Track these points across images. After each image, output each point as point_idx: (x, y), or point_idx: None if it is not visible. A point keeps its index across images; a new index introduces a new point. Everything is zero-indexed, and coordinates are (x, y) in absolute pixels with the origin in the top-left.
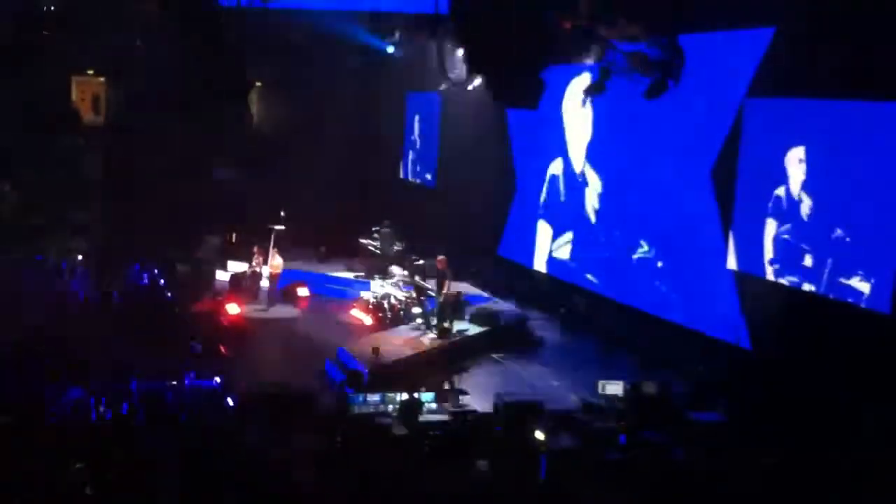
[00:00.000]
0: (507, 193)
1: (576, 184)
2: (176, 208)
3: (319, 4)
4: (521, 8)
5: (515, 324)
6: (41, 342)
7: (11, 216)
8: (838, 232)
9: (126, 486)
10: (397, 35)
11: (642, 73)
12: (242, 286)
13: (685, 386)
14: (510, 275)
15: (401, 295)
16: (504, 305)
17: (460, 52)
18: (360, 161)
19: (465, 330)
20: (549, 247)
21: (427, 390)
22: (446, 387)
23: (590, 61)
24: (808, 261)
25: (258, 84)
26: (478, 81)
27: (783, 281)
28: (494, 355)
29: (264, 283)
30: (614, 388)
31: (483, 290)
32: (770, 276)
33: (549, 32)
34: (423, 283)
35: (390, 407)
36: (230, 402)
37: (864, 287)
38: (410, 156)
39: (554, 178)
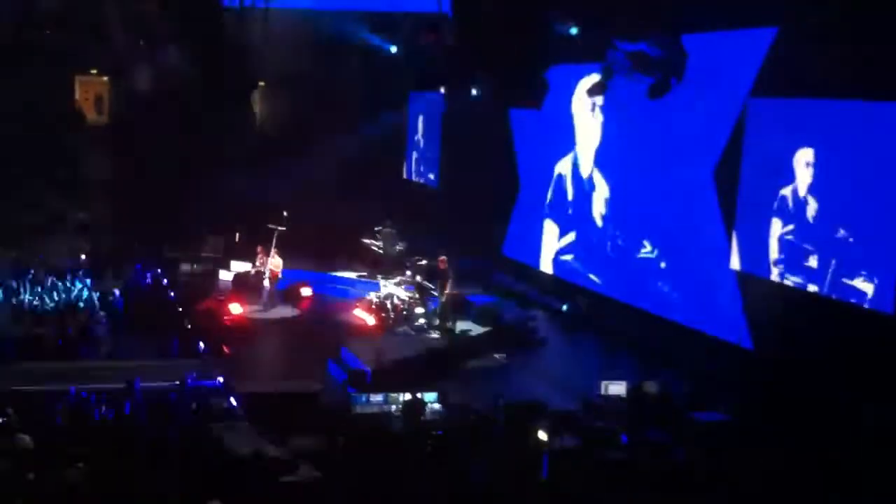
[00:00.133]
0: (510, 193)
1: (583, 187)
2: (179, 208)
3: (322, 4)
4: (524, 8)
5: (517, 323)
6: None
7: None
8: (841, 232)
9: (127, 485)
10: (400, 35)
11: (644, 72)
12: (245, 286)
13: (687, 386)
14: (512, 274)
15: (404, 295)
16: (506, 305)
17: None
18: (362, 161)
19: (468, 330)
20: (555, 246)
21: (429, 390)
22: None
23: (593, 61)
24: (811, 261)
25: (261, 84)
26: (481, 82)
27: (786, 281)
28: (496, 355)
29: (267, 283)
30: (617, 388)
31: (485, 289)
32: (773, 276)
33: (552, 33)
34: (425, 282)
35: (393, 407)
36: (233, 401)
37: (868, 288)
38: (414, 156)
39: (561, 177)
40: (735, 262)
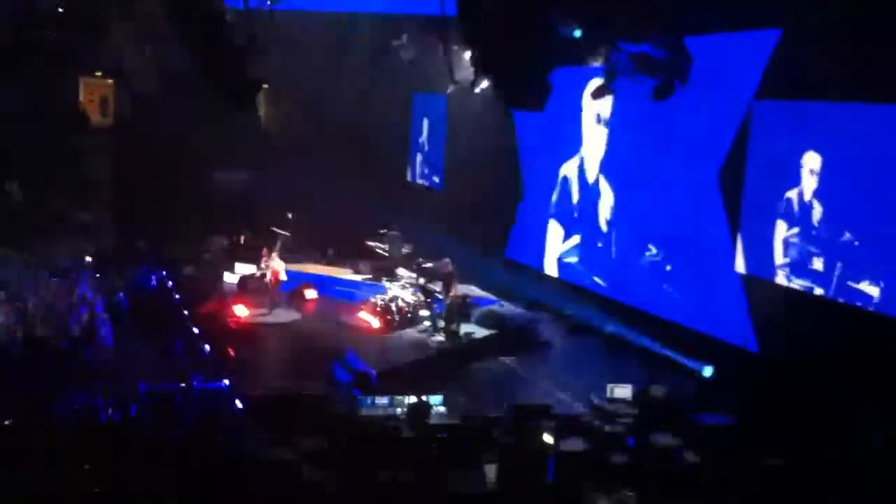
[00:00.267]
0: (514, 196)
1: (589, 190)
2: (184, 210)
3: (326, 6)
4: (528, 10)
5: (523, 326)
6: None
7: (19, 215)
8: (847, 235)
9: (132, 488)
10: (404, 37)
11: (648, 74)
12: (250, 288)
13: (693, 389)
14: (517, 277)
15: (409, 297)
16: (511, 308)
17: (467, 54)
18: (367, 163)
19: (473, 333)
20: (559, 247)
21: (435, 393)
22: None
23: (596, 64)
24: (817, 264)
25: (265, 86)
26: (485, 84)
27: (792, 284)
28: (502, 358)
29: (268, 287)
30: (623, 391)
31: (490, 292)
32: (778, 279)
33: (556, 35)
34: (430, 285)
35: (398, 410)
36: (237, 404)
37: (874, 291)
38: (418, 158)
39: (566, 180)
40: (740, 265)
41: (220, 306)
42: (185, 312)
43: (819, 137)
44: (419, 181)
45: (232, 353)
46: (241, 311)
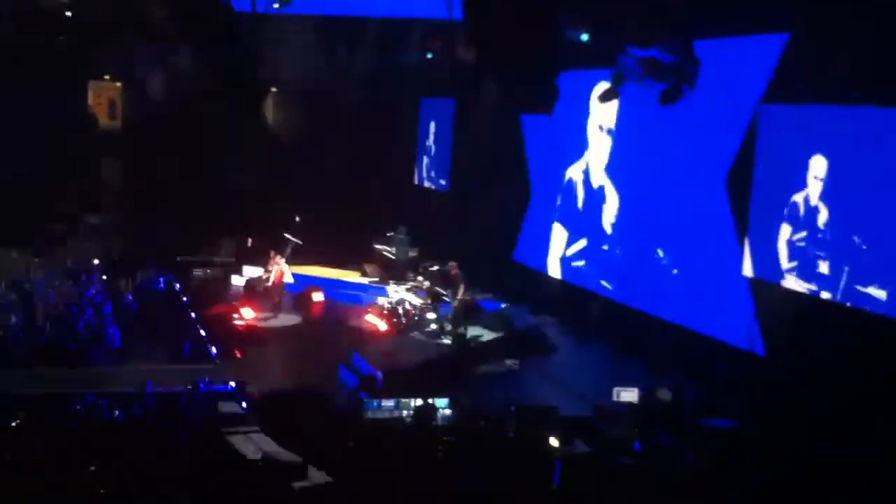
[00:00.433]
0: (521, 199)
1: (594, 194)
2: (192, 213)
3: (334, 10)
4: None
5: (529, 329)
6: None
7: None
8: (855, 239)
9: (138, 489)
10: (412, 41)
11: (656, 78)
12: (256, 291)
13: (699, 392)
14: (524, 280)
15: (415, 300)
16: (518, 311)
17: (475, 57)
18: (374, 166)
19: (479, 335)
20: (562, 249)
21: (441, 396)
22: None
23: (604, 67)
24: (824, 268)
25: (273, 89)
26: (492, 87)
27: (799, 288)
28: (508, 361)
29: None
30: (629, 394)
31: (497, 295)
32: (786, 283)
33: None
34: (437, 288)
35: (404, 412)
36: (244, 406)
37: (881, 294)
38: (425, 161)
39: (571, 182)
40: (748, 269)
41: (228, 309)
42: (193, 315)
43: (826, 141)
44: (426, 184)
45: (239, 354)
46: (247, 313)
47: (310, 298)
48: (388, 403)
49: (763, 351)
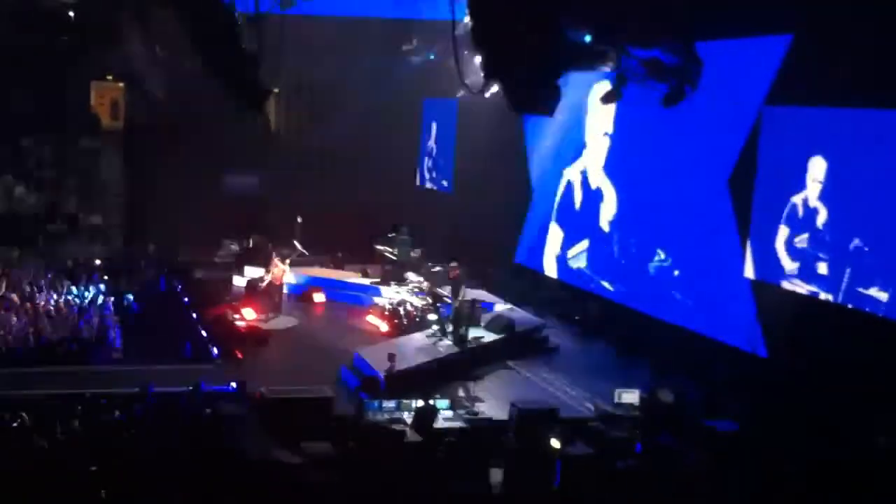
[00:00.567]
0: (523, 200)
1: (592, 193)
2: (194, 213)
3: (337, 11)
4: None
5: (531, 331)
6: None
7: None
8: (856, 241)
9: (139, 490)
10: (414, 42)
11: (658, 80)
12: (257, 292)
13: (701, 394)
14: (526, 282)
15: (417, 301)
16: (520, 313)
17: (477, 58)
18: (376, 167)
19: (481, 337)
20: (558, 250)
21: (442, 397)
22: (461, 393)
23: (606, 68)
24: (826, 270)
25: (275, 90)
26: (495, 89)
27: (801, 290)
28: (510, 362)
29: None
30: (630, 396)
31: (499, 297)
32: (787, 284)
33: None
34: (438, 289)
35: (405, 413)
36: (245, 406)
37: (883, 296)
38: (426, 162)
39: (569, 183)
40: (749, 271)
41: (229, 309)
42: (194, 315)
43: (829, 143)
44: (428, 185)
45: (240, 355)
46: (248, 313)
47: (311, 299)
48: (390, 404)
49: (765, 352)
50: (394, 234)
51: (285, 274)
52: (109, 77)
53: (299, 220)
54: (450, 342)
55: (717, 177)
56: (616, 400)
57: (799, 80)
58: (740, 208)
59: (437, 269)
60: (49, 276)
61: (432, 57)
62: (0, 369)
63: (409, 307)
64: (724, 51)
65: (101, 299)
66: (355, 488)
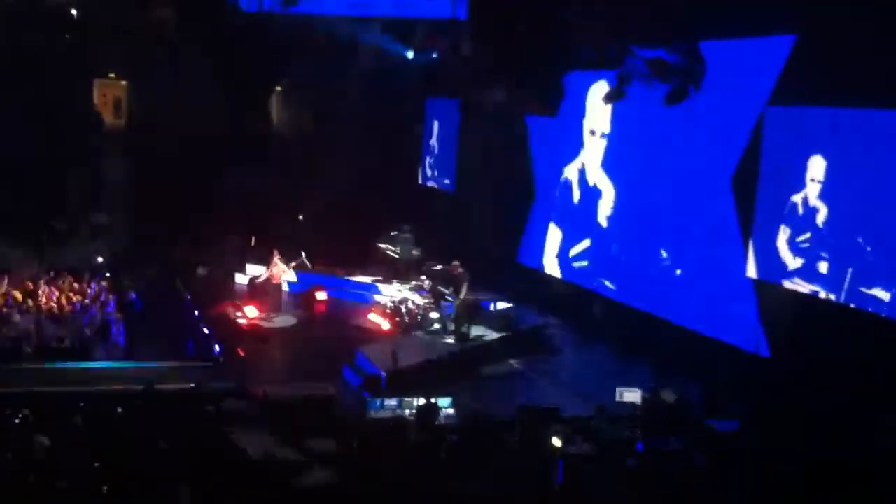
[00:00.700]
0: (526, 199)
1: (590, 190)
2: (196, 211)
3: (339, 10)
4: (541, 14)
5: (533, 330)
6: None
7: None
8: (859, 241)
9: (141, 488)
10: (417, 41)
11: (662, 79)
12: (257, 291)
13: (703, 393)
14: (528, 280)
15: (418, 300)
16: (521, 311)
17: (480, 58)
18: (378, 165)
19: (483, 335)
20: (557, 250)
21: (444, 395)
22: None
23: (610, 68)
24: (828, 270)
25: (278, 88)
26: (498, 88)
27: (803, 289)
28: (511, 361)
29: (284, 287)
30: (632, 395)
31: (501, 295)
32: (790, 284)
33: (569, 39)
34: (440, 287)
35: (407, 412)
36: (247, 405)
37: (885, 296)
38: (428, 161)
39: (567, 182)
40: (752, 270)
41: (232, 308)
42: (196, 313)
43: (832, 143)
44: (430, 184)
45: (242, 353)
46: (251, 311)
47: (313, 297)
48: (392, 403)
49: (767, 352)
50: (395, 233)
51: (285, 274)
52: (112, 75)
53: (300, 217)
54: (451, 340)
55: (720, 176)
56: (618, 399)
57: (802, 81)
58: (743, 208)
59: (439, 267)
60: (52, 273)
61: (435, 56)
62: (3, 366)
63: (410, 305)
64: (728, 50)
65: (103, 297)
66: (357, 487)
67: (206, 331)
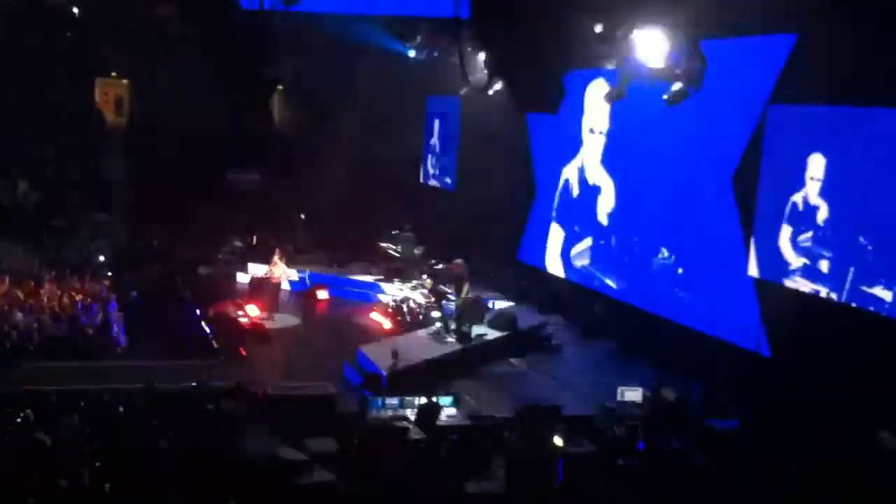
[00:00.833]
0: (527, 198)
1: (590, 188)
2: (197, 210)
3: (341, 8)
4: (542, 13)
5: (534, 328)
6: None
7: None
8: (861, 240)
9: (142, 487)
10: (418, 39)
11: (663, 78)
12: (259, 289)
13: (704, 393)
14: (529, 279)
15: (420, 298)
16: (523, 310)
17: (481, 56)
18: (379, 164)
19: (484, 334)
20: (559, 250)
21: (445, 394)
22: (464, 391)
23: (611, 66)
24: (830, 269)
25: (279, 87)
26: (498, 86)
27: (804, 288)
28: (513, 360)
29: (285, 286)
30: (633, 394)
31: (502, 294)
32: (791, 283)
33: (571, 38)
34: (441, 286)
35: (409, 411)
36: (248, 403)
37: (887, 295)
38: (429, 160)
39: (567, 181)
40: (753, 269)
41: (233, 306)
42: (197, 312)
43: (833, 142)
44: (431, 182)
45: (243, 352)
46: (252, 310)
47: (315, 296)
48: (393, 402)
49: (768, 351)
50: (397, 232)
51: (285, 273)
52: (114, 73)
53: (301, 216)
54: (453, 339)
55: (721, 175)
56: (619, 398)
57: (804, 79)
58: (744, 206)
59: (441, 266)
60: (53, 272)
61: (436, 54)
62: (4, 365)
63: (412, 304)
64: (730, 49)
65: (104, 295)
66: (358, 485)
67: (206, 330)
